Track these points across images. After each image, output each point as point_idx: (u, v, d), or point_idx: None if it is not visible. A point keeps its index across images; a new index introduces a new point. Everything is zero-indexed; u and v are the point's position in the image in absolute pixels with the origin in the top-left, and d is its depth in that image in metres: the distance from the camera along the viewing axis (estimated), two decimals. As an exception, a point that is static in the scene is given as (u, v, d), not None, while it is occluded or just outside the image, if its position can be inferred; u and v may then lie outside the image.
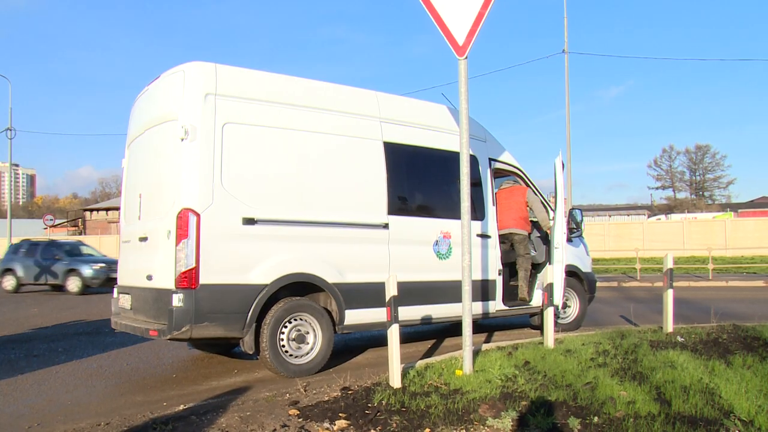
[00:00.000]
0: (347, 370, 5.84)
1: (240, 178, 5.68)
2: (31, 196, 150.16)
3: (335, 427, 3.93)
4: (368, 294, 6.29)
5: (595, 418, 3.81)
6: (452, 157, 6.89)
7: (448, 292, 6.81)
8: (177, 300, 5.32)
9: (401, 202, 6.82)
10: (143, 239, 6.07)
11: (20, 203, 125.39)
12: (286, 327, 5.87)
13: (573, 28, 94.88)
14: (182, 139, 5.48)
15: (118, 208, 68.23)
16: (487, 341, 7.65)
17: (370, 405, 4.32)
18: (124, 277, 6.72)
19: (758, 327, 6.85)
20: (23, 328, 9.96)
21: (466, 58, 5.12)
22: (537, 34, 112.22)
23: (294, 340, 5.91)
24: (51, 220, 38.07)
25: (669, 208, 71.53)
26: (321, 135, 6.28)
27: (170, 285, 5.41)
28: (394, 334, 4.84)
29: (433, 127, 7.25)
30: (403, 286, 6.25)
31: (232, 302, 5.55)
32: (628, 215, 61.20)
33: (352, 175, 6.45)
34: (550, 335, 6.31)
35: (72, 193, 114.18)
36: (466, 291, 5.16)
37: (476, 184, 7.58)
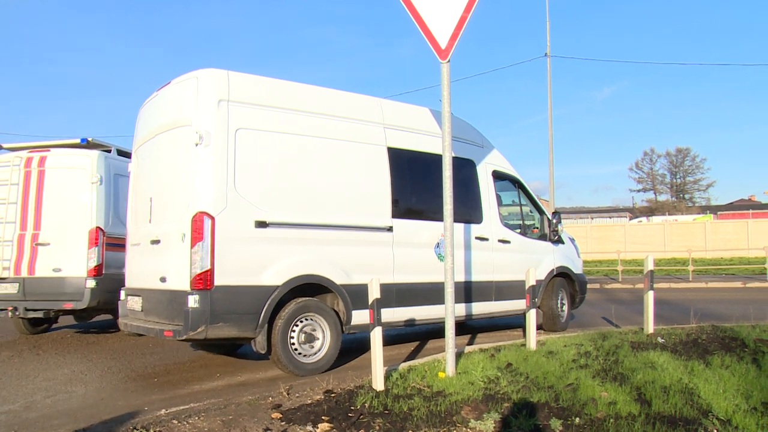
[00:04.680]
0: (330, 372, 5.83)
1: (252, 182, 5.82)
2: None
3: (318, 430, 3.92)
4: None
5: (577, 419, 3.84)
6: (453, 162, 6.99)
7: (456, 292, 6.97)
8: (192, 301, 5.43)
9: (404, 206, 7.02)
10: (155, 242, 6.16)
11: None
12: (296, 327, 6.01)
13: (556, 32, 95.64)
14: (197, 144, 5.61)
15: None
16: (470, 343, 7.68)
17: (353, 408, 4.32)
18: (133, 279, 6.80)
19: (736, 327, 6.95)
20: (1, 332, 9.82)
21: (449, 61, 5.14)
22: (521, 38, 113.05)
23: (304, 339, 6.06)
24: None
25: (650, 211, 72.25)
26: (328, 140, 6.44)
27: (185, 286, 5.52)
28: (377, 336, 4.84)
29: (433, 133, 7.37)
30: (406, 287, 6.83)
31: (246, 303, 5.68)
32: (611, 218, 61.75)
33: (358, 180, 6.64)
34: (532, 337, 6.35)
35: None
36: (449, 293, 5.19)
37: (474, 189, 7.94)
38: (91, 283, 8.42)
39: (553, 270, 8.76)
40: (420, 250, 7.05)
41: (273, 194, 5.95)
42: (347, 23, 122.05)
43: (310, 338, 6.10)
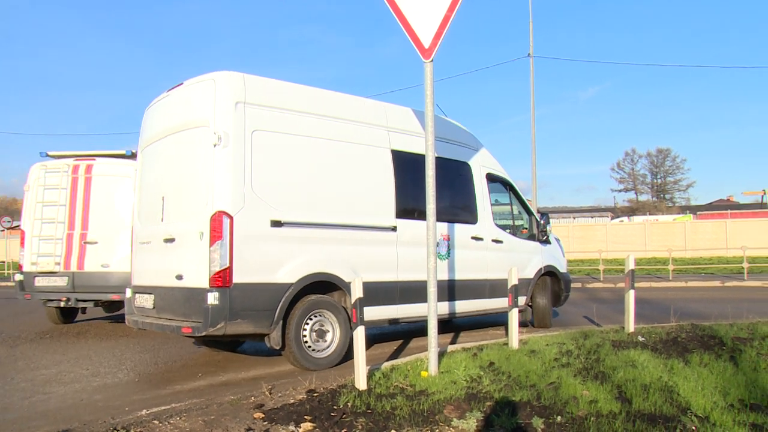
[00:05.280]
0: (313, 372, 5.81)
1: (267, 182, 5.97)
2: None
3: (300, 430, 3.91)
4: (379, 292, 6.75)
5: (559, 418, 3.87)
6: (449, 165, 7.88)
7: (448, 290, 7.54)
8: (212, 298, 5.58)
9: (407, 207, 7.23)
10: (169, 240, 6.24)
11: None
12: (308, 323, 6.21)
13: (542, 33, 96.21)
14: (215, 145, 5.74)
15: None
16: (453, 342, 7.70)
17: (335, 407, 4.31)
18: (143, 277, 6.83)
19: (715, 326, 7.04)
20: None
21: (432, 61, 5.14)
22: (505, 38, 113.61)
23: (315, 335, 6.26)
24: (8, 221, 36.98)
25: (631, 210, 72.96)
26: (338, 143, 6.65)
27: (204, 284, 5.66)
28: (359, 336, 4.84)
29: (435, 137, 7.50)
30: (409, 285, 7.08)
31: (262, 300, 5.84)
32: (592, 217, 62.29)
33: (365, 181, 6.87)
34: (514, 336, 6.38)
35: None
36: (432, 293, 5.19)
37: (470, 191, 8.28)
38: None
39: (541, 269, 9.11)
40: (422, 250, 7.01)
41: (286, 194, 6.12)
42: (330, 22, 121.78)
43: (321, 334, 6.31)
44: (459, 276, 7.73)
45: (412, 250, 7.08)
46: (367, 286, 6.25)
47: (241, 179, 5.78)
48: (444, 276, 7.44)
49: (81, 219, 9.74)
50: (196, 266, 5.79)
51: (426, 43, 5.11)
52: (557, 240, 9.88)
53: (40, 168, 10.05)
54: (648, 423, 3.71)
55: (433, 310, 5.19)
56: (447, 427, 3.84)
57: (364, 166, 6.87)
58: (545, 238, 9.38)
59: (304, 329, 6.18)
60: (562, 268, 9.67)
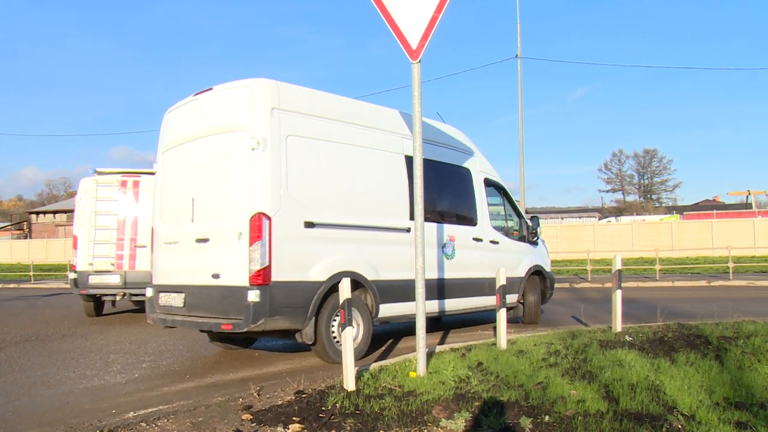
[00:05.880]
0: (301, 373, 5.80)
1: (300, 185, 6.27)
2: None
3: (289, 431, 3.90)
4: (397, 290, 7.11)
5: (546, 417, 3.88)
6: (453, 170, 8.47)
7: (453, 288, 8.01)
8: (253, 296, 5.82)
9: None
10: (202, 240, 6.43)
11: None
12: (335, 319, 6.50)
13: (532, 34, 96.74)
14: (253, 149, 6.00)
15: (66, 211, 65.68)
16: (441, 343, 7.72)
17: (324, 408, 4.31)
18: (170, 277, 6.93)
19: (701, 325, 7.10)
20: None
21: (420, 61, 5.15)
22: (493, 39, 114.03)
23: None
24: (-6, 223, 36.55)
25: (619, 211, 73.49)
26: (359, 148, 7.03)
27: (244, 282, 5.90)
28: (347, 336, 4.84)
29: (438, 143, 8.25)
30: (412, 284, 7.01)
31: (297, 297, 6.12)
32: (580, 218, 62.59)
33: (383, 184, 7.25)
34: (502, 336, 6.40)
35: (17, 195, 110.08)
36: (420, 293, 5.19)
37: (471, 195, 8.76)
38: None
39: (531, 268, 9.61)
40: (431, 250, 7.63)
41: (317, 197, 6.43)
42: (318, 22, 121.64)
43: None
44: (463, 274, 8.19)
45: (425, 250, 7.24)
46: (387, 285, 7.01)
47: (277, 182, 6.05)
48: (450, 274, 7.93)
49: (131, 226, 11.51)
50: (235, 265, 6.02)
51: (413, 43, 5.11)
52: (542, 241, 10.35)
53: (92, 182, 11.66)
54: (635, 422, 3.73)
55: (421, 310, 5.19)
56: (435, 428, 3.85)
57: (382, 171, 7.24)
58: (535, 239, 9.91)
59: (332, 325, 6.48)
60: (548, 267, 10.20)
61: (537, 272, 9.75)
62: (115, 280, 11.36)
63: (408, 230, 7.28)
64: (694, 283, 18.66)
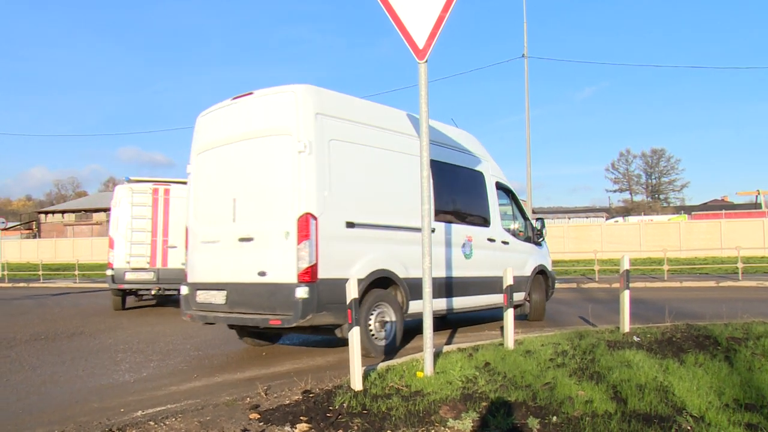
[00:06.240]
0: (308, 373, 5.81)
1: (341, 187, 6.56)
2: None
3: (296, 431, 3.90)
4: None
5: (554, 418, 3.87)
6: (469, 174, 8.89)
7: (471, 286, 8.44)
8: (302, 292, 6.09)
9: (442, 211, 8.01)
10: (245, 240, 6.66)
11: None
12: (372, 314, 6.81)
13: (540, 33, 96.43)
14: (300, 152, 6.26)
15: (75, 211, 65.88)
16: (448, 343, 7.71)
17: (331, 408, 4.31)
18: (209, 275, 7.12)
19: (709, 326, 7.05)
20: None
21: (426, 61, 5.14)
22: (501, 38, 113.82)
23: (378, 325, 6.91)
24: (3, 223, 36.78)
25: (626, 211, 73.19)
26: (392, 152, 7.37)
27: (292, 279, 6.17)
28: (354, 336, 4.84)
29: (456, 147, 8.69)
30: (442, 281, 7.88)
31: (340, 294, 6.18)
32: (587, 217, 62.39)
33: (411, 187, 7.31)
34: (510, 336, 6.39)
35: (26, 195, 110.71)
36: (427, 293, 5.19)
37: (485, 197, 9.18)
38: None
39: (536, 267, 10.08)
40: (452, 249, 8.14)
41: (356, 198, 6.74)
42: (321, 22, 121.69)
43: (383, 324, 6.96)
44: (479, 273, 8.60)
45: (445, 250, 7.95)
46: (416, 282, 7.04)
47: (322, 184, 6.33)
48: (468, 273, 8.36)
49: (162, 229, 13.21)
50: (282, 263, 6.27)
51: (420, 43, 5.10)
52: (544, 242, 10.85)
53: (128, 190, 13.26)
54: (643, 423, 3.71)
55: (428, 310, 5.19)
56: (443, 428, 3.84)
57: (410, 174, 7.37)
58: (539, 240, 10.42)
59: (370, 320, 6.76)
60: (550, 267, 10.71)
61: (541, 272, 10.22)
62: (149, 276, 13.05)
63: (433, 231, 7.38)
64: (702, 283, 18.56)
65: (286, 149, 6.39)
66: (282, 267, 6.28)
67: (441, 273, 7.83)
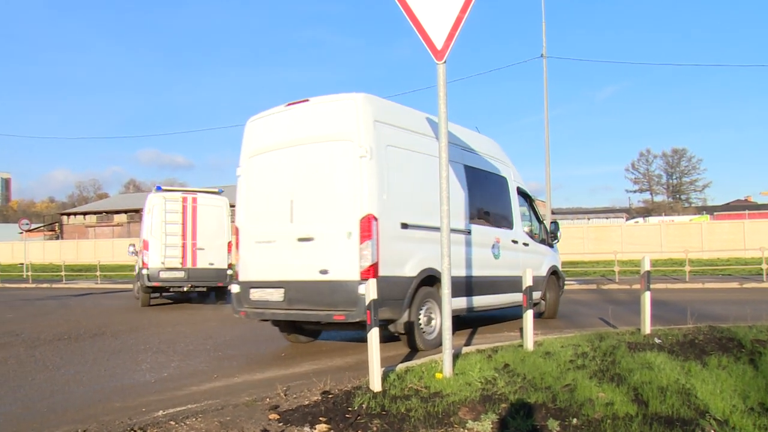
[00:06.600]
0: (327, 373, 5.82)
1: (396, 190, 6.92)
2: (7, 200, 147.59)
3: (315, 431, 3.92)
4: (462, 285, 7.95)
5: (574, 420, 3.84)
6: (496, 179, 9.46)
7: (499, 285, 8.90)
8: (365, 289, 6.06)
9: (474, 214, 8.56)
10: (305, 239, 6.99)
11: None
12: (421, 310, 7.20)
13: (558, 33, 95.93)
14: (362, 157, 6.62)
15: (96, 213, 66.67)
16: (467, 344, 7.68)
17: (350, 409, 4.32)
18: (265, 273, 7.39)
19: (733, 328, 6.96)
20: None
21: (445, 62, 5.13)
22: (519, 38, 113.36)
23: (426, 320, 7.32)
24: (27, 224, 37.40)
25: (647, 211, 72.42)
26: (435, 158, 7.39)
27: (355, 277, 6.53)
28: (373, 337, 4.84)
29: (483, 153, 9.19)
30: (476, 280, 8.34)
31: (397, 291, 6.80)
32: (607, 218, 61.83)
33: (452, 190, 7.70)
34: (529, 338, 6.35)
35: (48, 197, 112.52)
36: (446, 294, 5.17)
37: (509, 201, 9.71)
38: (229, 271, 14.97)
39: (550, 268, 10.62)
40: (483, 250, 8.64)
41: (407, 201, 7.09)
42: (339, 24, 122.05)
43: (429, 320, 7.38)
44: (505, 273, 9.03)
45: (478, 250, 8.44)
46: (457, 280, 7.52)
47: (381, 187, 6.70)
48: (496, 272, 8.86)
49: (191, 233, 14.91)
50: (344, 262, 6.63)
51: (438, 44, 5.09)
52: (556, 243, 11.51)
53: (161, 198, 14.79)
54: (665, 426, 3.67)
55: (447, 311, 5.17)
56: (462, 429, 3.83)
57: (451, 178, 7.63)
58: (554, 242, 11.08)
59: (419, 315, 7.17)
60: (560, 267, 11.29)
61: (554, 272, 10.76)
62: (181, 275, 14.74)
63: (469, 232, 8.22)
64: (725, 284, 18.29)
65: (346, 154, 6.74)
66: (344, 265, 6.62)
67: (475, 272, 8.28)
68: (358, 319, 6.45)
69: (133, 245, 18.28)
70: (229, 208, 15.74)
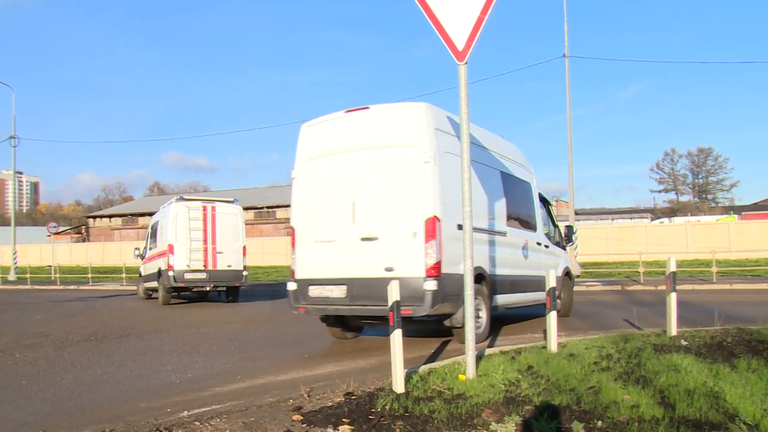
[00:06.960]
0: (350, 375, 5.83)
1: (453, 193, 7.04)
2: (35, 204, 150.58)
3: (339, 433, 3.92)
4: (503, 283, 8.54)
5: (599, 423, 3.80)
6: (523, 184, 10.05)
7: (528, 284, 9.40)
8: (430, 285, 6.90)
9: (509, 217, 9.10)
10: (369, 239, 7.37)
11: (24, 211, 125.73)
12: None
13: (575, 32, 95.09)
14: (426, 162, 7.06)
15: (122, 215, 67.39)
16: (490, 345, 7.64)
17: (373, 410, 4.32)
18: (326, 271, 7.70)
19: (763, 330, 6.83)
20: (27, 335, 9.99)
21: (466, 63, 5.11)
22: (541, 38, 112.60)
23: (475, 315, 7.38)
24: (54, 227, 38.06)
25: (672, 211, 71.38)
26: (480, 164, 8.17)
27: (420, 274, 6.95)
28: (396, 339, 4.84)
29: (512, 159, 9.74)
30: (512, 279, 8.91)
31: (455, 287, 7.01)
32: (631, 218, 61.03)
33: (492, 194, 8.53)
34: (553, 339, 6.30)
35: (75, 200, 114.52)
36: (468, 296, 5.15)
37: (533, 205, 10.32)
38: (245, 272, 16.95)
39: (565, 268, 11.29)
40: (516, 251, 9.22)
41: (459, 203, 6.95)
42: (359, 25, 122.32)
43: (477, 315, 7.73)
44: (532, 272, 9.52)
45: (512, 251, 9.02)
46: (497, 279, 8.37)
47: (443, 191, 7.09)
48: (526, 272, 9.41)
49: (211, 238, 16.39)
50: (410, 260, 7.03)
51: (460, 45, 5.08)
52: (567, 245, 12.30)
53: (184, 206, 16.21)
54: (693, 429, 3.62)
55: (470, 313, 5.15)
56: (485, 431, 3.81)
57: (490, 183, 8.52)
58: (568, 244, 11.88)
59: None
60: (570, 267, 11.86)
61: (567, 273, 11.33)
62: (204, 276, 16.19)
63: (505, 234, 8.70)
64: (754, 285, 17.92)
65: (409, 159, 7.14)
66: (410, 263, 7.01)
67: (510, 271, 8.83)
68: (424, 314, 6.87)
69: (138, 248, 20.30)
70: (243, 216, 17.38)
